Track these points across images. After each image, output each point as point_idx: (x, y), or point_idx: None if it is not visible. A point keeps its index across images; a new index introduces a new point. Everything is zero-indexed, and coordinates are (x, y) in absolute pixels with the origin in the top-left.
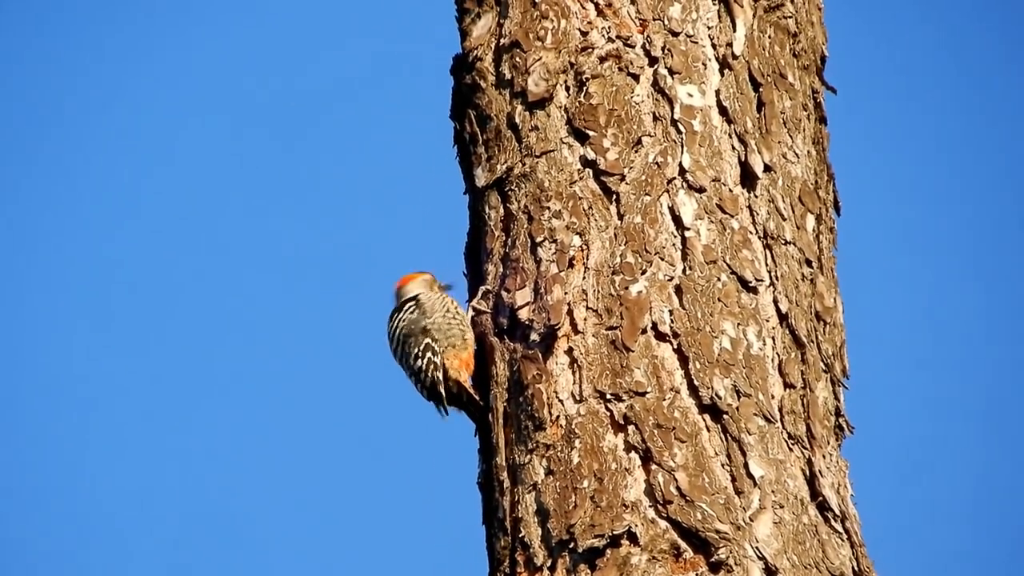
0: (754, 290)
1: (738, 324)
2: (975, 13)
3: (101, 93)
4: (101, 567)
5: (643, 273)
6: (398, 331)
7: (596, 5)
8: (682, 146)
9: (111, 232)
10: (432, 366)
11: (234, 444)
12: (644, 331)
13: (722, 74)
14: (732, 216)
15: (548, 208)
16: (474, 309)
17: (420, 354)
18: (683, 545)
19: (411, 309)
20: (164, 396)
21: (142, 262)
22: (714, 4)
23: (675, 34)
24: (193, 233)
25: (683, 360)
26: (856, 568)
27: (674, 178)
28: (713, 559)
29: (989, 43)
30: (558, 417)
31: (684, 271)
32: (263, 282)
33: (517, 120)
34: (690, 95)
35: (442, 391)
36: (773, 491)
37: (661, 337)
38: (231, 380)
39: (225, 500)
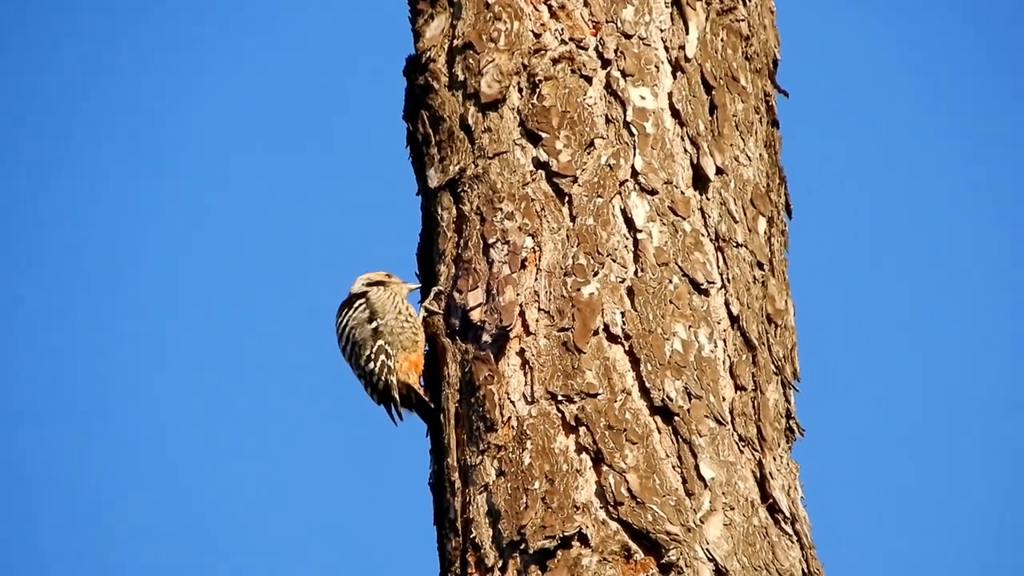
0: (706, 292)
1: (689, 326)
2: (927, 17)
3: (100, 96)
4: (99, 567)
5: (595, 275)
6: (347, 330)
7: (549, 7)
8: (634, 148)
9: (105, 232)
10: (386, 369)
11: (176, 447)
12: (596, 333)
13: (675, 77)
14: (684, 218)
15: (501, 209)
16: (426, 310)
17: (372, 356)
18: (634, 546)
19: (361, 307)
20: (153, 394)
21: (137, 262)
22: (667, 7)
23: (628, 36)
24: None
25: (635, 362)
26: (806, 570)
27: (626, 180)
28: (664, 560)
29: (941, 46)
30: (509, 418)
31: (636, 273)
32: (212, 286)
33: (470, 121)
34: (643, 97)
35: (395, 395)
36: (724, 493)
37: (613, 339)
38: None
39: (166, 503)
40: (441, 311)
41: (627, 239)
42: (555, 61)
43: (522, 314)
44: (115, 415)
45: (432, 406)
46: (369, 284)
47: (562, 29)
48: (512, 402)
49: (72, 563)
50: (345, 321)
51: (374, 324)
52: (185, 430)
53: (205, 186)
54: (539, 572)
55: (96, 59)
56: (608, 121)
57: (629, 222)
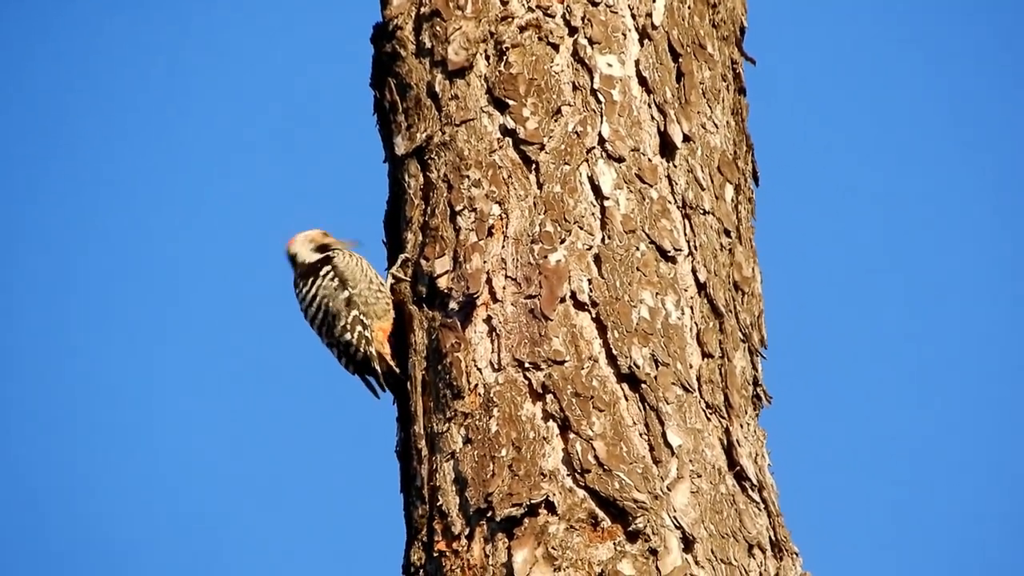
0: (673, 259)
1: (657, 293)
2: None
3: (99, 93)
4: (99, 566)
5: (562, 242)
6: (319, 299)
7: None
8: (601, 116)
9: (101, 231)
10: (364, 340)
11: (138, 412)
12: (563, 300)
13: (642, 44)
14: (651, 186)
15: (468, 177)
16: (393, 277)
17: (349, 327)
18: (601, 514)
19: (329, 275)
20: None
21: (136, 261)
22: None
23: (595, 4)
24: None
25: (601, 329)
26: (773, 537)
27: (593, 147)
28: (631, 528)
29: (913, 12)
30: (476, 386)
31: (603, 240)
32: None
33: (437, 89)
34: (610, 65)
35: (377, 367)
36: (691, 460)
37: (580, 306)
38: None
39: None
40: (408, 278)
41: (594, 206)
42: (522, 28)
43: (489, 281)
44: (87, 406)
45: (399, 373)
46: (318, 248)
47: None
48: (479, 369)
49: (52, 563)
50: (314, 291)
51: (346, 294)
52: (145, 403)
53: (169, 166)
54: (506, 540)
55: (63, 51)
56: (575, 88)
57: (596, 189)
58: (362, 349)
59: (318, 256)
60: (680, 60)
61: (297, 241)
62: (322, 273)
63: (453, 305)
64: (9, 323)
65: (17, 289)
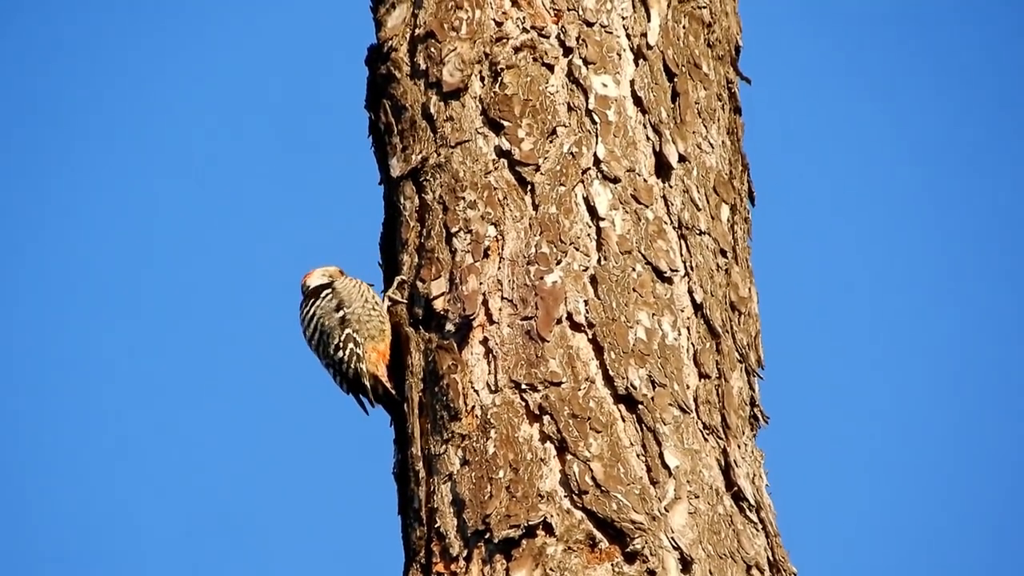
0: (669, 280)
1: (653, 314)
2: (890, 3)
3: (100, 94)
4: (102, 565)
5: (558, 263)
6: (315, 319)
7: None
8: (597, 136)
9: (106, 233)
10: (355, 358)
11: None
12: (559, 321)
13: (636, 64)
14: (647, 206)
15: (463, 198)
16: (390, 299)
17: (341, 345)
18: (599, 535)
19: (328, 296)
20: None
21: (139, 263)
22: None
23: (589, 24)
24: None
25: (598, 350)
26: (771, 558)
27: (589, 168)
28: (628, 549)
29: (906, 32)
30: (473, 407)
31: (599, 261)
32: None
33: (432, 110)
34: (604, 85)
35: (366, 383)
36: (688, 481)
37: (576, 327)
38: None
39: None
40: (404, 300)
41: (590, 227)
42: (517, 49)
43: (485, 303)
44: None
45: (396, 396)
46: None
47: (524, 17)
48: (476, 391)
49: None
50: (312, 311)
51: (341, 313)
52: (147, 422)
53: (164, 175)
54: (504, 561)
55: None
56: (570, 109)
57: (592, 210)
58: (353, 366)
59: (324, 281)
60: (675, 80)
61: (315, 274)
62: (322, 295)
63: (449, 327)
64: (9, 323)
65: (16, 290)
